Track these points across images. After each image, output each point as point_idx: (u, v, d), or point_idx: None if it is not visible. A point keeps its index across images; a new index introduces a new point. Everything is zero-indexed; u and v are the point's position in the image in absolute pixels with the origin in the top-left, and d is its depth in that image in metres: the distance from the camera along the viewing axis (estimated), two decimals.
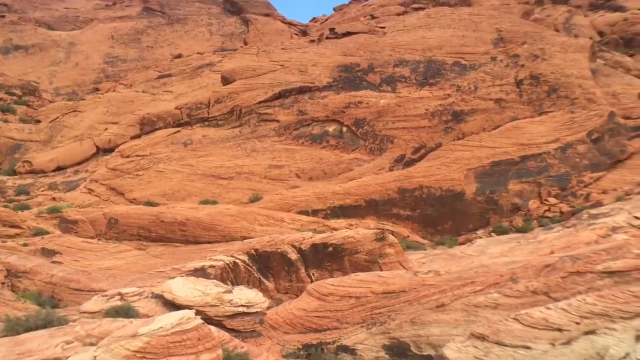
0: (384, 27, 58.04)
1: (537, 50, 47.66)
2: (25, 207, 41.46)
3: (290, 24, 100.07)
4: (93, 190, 44.92)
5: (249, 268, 23.87)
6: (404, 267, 23.07)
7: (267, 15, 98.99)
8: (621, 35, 63.15)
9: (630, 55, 58.44)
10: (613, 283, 15.11)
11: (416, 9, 72.04)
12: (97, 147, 54.40)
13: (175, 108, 53.29)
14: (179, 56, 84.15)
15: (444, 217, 37.89)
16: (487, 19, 54.47)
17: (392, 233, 27.67)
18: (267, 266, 24.28)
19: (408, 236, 35.93)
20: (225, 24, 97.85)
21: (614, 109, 42.76)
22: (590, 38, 56.58)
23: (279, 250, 24.14)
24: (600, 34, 64.61)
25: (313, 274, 23.68)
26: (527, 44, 48.94)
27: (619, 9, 72.47)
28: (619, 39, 62.17)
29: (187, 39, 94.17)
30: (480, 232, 36.50)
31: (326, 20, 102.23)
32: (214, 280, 16.78)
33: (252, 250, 24.49)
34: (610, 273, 15.43)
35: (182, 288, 14.97)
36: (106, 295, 15.97)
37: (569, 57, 46.75)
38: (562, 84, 44.08)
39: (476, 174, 38.76)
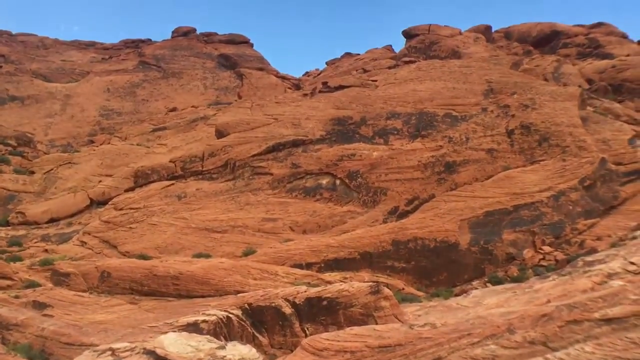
0: (375, 81, 58.87)
1: (527, 100, 48.33)
2: (18, 259, 41.02)
3: (283, 78, 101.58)
4: (86, 243, 44.60)
5: (243, 323, 23.55)
6: (399, 320, 22.82)
7: (260, 69, 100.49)
8: (610, 82, 64.23)
9: (619, 102, 59.32)
10: (611, 330, 14.95)
11: (407, 62, 73.43)
12: (90, 199, 54.31)
13: (170, 161, 53.46)
14: (174, 109, 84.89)
15: (438, 268, 37.70)
16: (477, 71, 55.34)
17: (387, 286, 27.44)
18: (261, 321, 23.96)
19: (403, 288, 35.64)
20: (220, 78, 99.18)
21: (605, 155, 43.13)
22: (579, 86, 57.47)
23: (273, 304, 23.87)
24: (589, 81, 65.71)
25: (307, 329, 23.37)
26: (517, 94, 49.63)
27: (607, 56, 74.02)
28: (608, 86, 63.19)
29: (182, 92, 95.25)
30: (475, 282, 36.28)
31: (319, 74, 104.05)
32: (207, 336, 16.54)
33: (246, 304, 24.21)
34: (608, 320, 15.27)
35: (174, 344, 14.74)
36: (97, 351, 15.71)
37: (558, 105, 47.39)
38: (553, 133, 44.56)
39: (470, 225, 38.76)
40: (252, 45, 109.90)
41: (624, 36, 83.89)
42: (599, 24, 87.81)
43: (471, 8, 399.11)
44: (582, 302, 16.81)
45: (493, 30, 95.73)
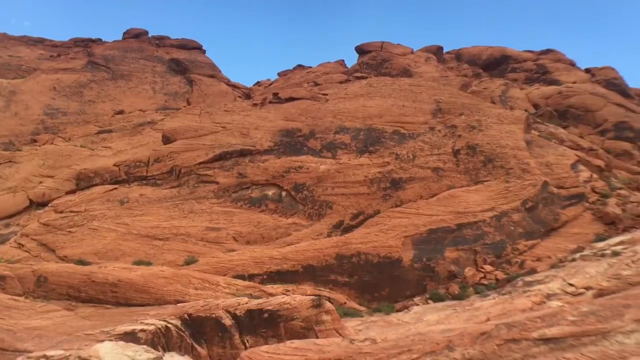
0: (326, 94, 59.08)
1: (474, 122, 49.27)
2: None
3: (234, 86, 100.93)
4: (23, 245, 43.22)
5: (182, 333, 23.14)
6: (340, 334, 22.78)
7: (211, 76, 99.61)
8: (555, 108, 66.39)
9: (564, 127, 61.29)
10: (548, 350, 15.20)
11: (358, 78, 74.02)
12: (30, 200, 52.80)
13: (114, 165, 52.34)
14: (121, 112, 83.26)
15: (381, 283, 37.84)
16: (427, 90, 56.16)
17: (329, 300, 27.43)
18: (200, 331, 23.59)
19: (345, 303, 35.64)
20: (170, 82, 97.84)
21: (548, 178, 44.31)
22: (526, 110, 59.06)
23: (213, 315, 23.54)
24: (535, 106, 67.72)
25: (247, 341, 23.11)
26: (465, 115, 50.56)
27: (554, 82, 76.48)
28: (553, 111, 65.24)
29: (130, 95, 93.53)
30: (417, 299, 36.56)
31: (270, 84, 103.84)
32: (144, 346, 16.19)
33: (186, 314, 23.81)
34: (546, 340, 15.52)
35: (110, 353, 14.38)
36: (31, 357, 15.25)
37: (504, 128, 48.48)
38: (498, 155, 45.50)
39: (413, 241, 39.10)
40: (204, 51, 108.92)
41: (572, 64, 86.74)
42: (548, 51, 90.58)
43: (424, 28, 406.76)
44: (520, 322, 17.08)
45: (444, 51, 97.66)
